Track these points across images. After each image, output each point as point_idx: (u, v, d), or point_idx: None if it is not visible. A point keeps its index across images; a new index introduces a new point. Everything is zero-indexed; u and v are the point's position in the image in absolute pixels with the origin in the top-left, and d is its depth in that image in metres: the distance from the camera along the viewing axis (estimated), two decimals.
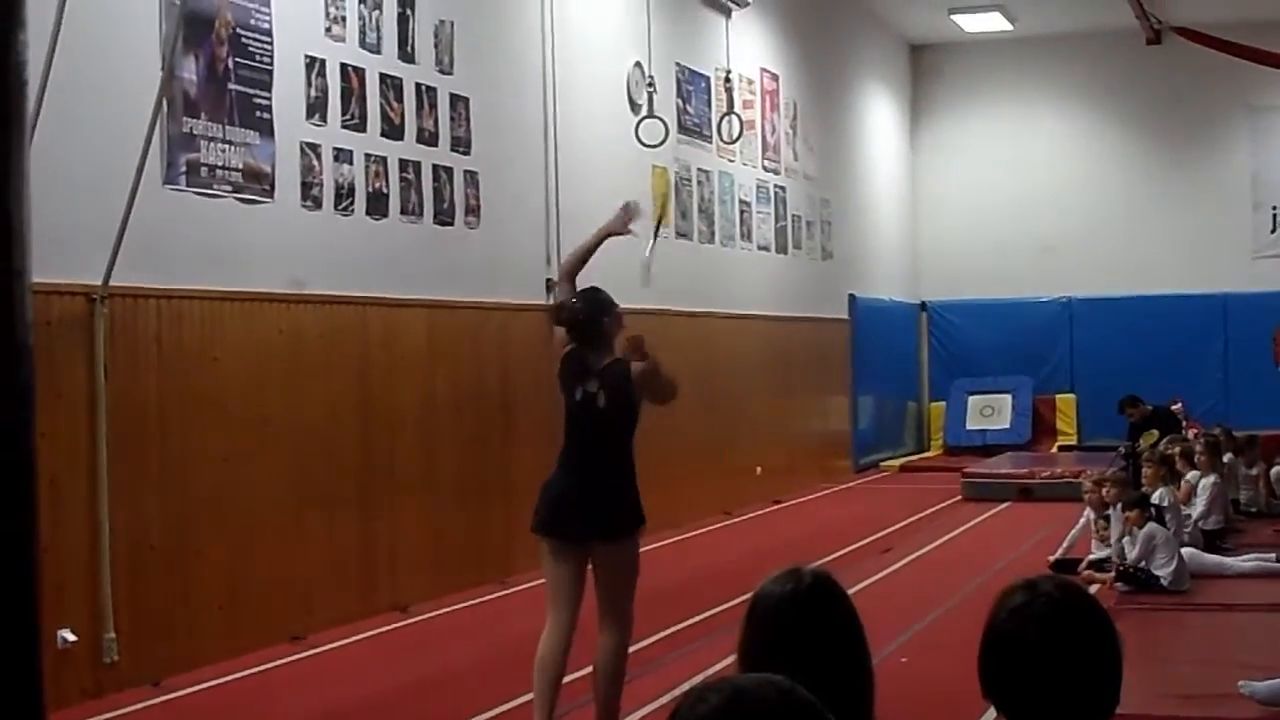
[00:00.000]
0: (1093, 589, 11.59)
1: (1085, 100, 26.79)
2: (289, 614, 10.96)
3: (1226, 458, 15.98)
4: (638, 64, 16.49)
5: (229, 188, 10.56)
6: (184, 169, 10.13)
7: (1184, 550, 12.83)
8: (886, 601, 11.95)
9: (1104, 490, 12.93)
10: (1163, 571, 11.96)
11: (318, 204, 11.51)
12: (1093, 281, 26.06)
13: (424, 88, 12.82)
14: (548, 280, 14.57)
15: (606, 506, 7.86)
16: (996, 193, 27.02)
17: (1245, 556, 13.26)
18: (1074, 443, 25.31)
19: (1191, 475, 14.52)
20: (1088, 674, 3.19)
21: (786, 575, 3.58)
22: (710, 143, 18.64)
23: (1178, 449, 15.03)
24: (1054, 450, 24.78)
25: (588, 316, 7.99)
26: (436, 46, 13.03)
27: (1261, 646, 9.85)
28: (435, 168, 12.93)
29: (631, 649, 8.65)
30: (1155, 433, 18.40)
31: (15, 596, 2.06)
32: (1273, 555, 13.23)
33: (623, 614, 7.88)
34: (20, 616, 2.07)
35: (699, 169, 18.36)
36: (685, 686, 9.03)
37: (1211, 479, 14.52)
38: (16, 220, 2.11)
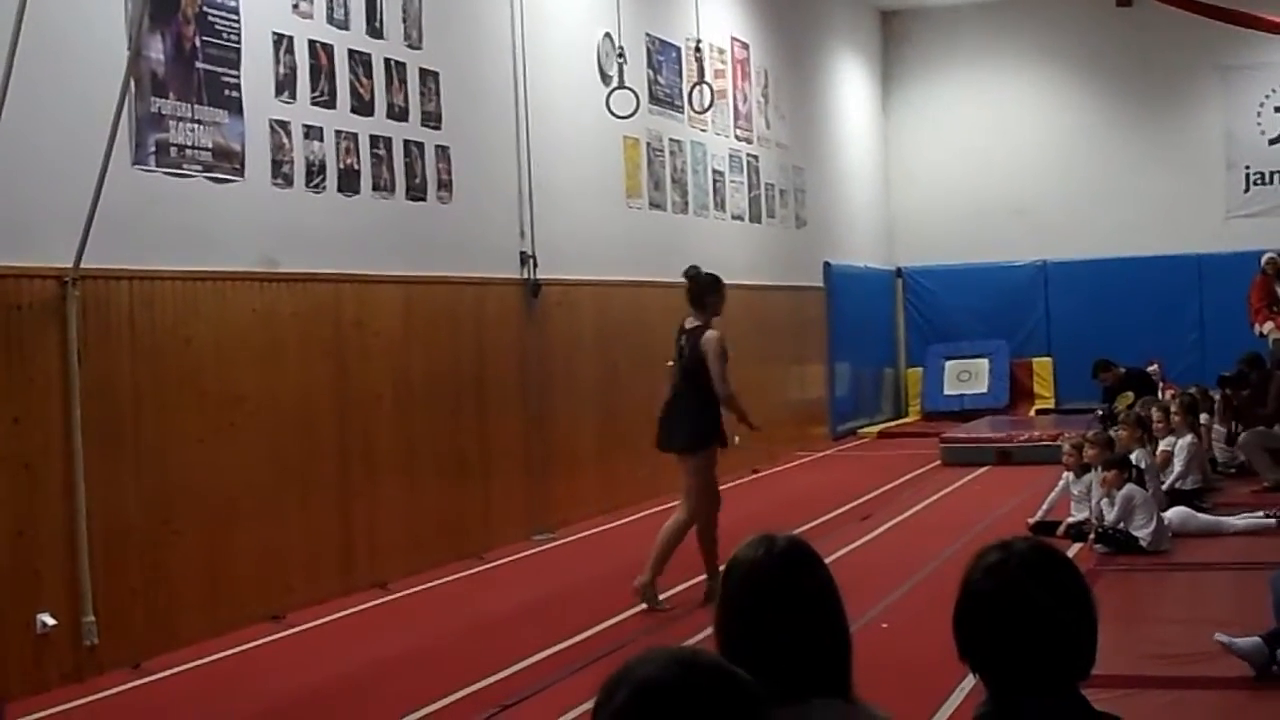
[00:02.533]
0: (1074, 550, 11.62)
1: (1057, 63, 26.77)
2: (268, 593, 10.95)
3: (1203, 418, 16.02)
4: (607, 35, 16.44)
5: (199, 167, 10.52)
6: (153, 149, 10.09)
7: (1178, 510, 12.87)
8: (866, 568, 11.96)
9: (1084, 451, 12.96)
10: (1141, 532, 11.99)
11: (289, 182, 11.46)
12: (1068, 244, 26.08)
13: (393, 63, 12.77)
14: (521, 253, 14.55)
15: (672, 428, 11.22)
16: (969, 157, 27.01)
17: (1239, 516, 13.28)
18: (1051, 406, 25.37)
19: (1166, 441, 14.54)
20: (1062, 634, 3.19)
21: (759, 541, 3.57)
22: (682, 113, 18.61)
23: (1154, 410, 15.07)
24: (1032, 414, 24.83)
25: (700, 283, 11.32)
26: (405, 21, 12.98)
27: (1240, 606, 9.87)
28: (406, 143, 12.89)
29: (610, 622, 10.04)
30: (1130, 395, 18.44)
31: None
32: (1260, 512, 13.25)
33: (689, 503, 11.07)
34: None
35: (671, 139, 18.33)
36: None
37: (1189, 439, 14.55)
38: None
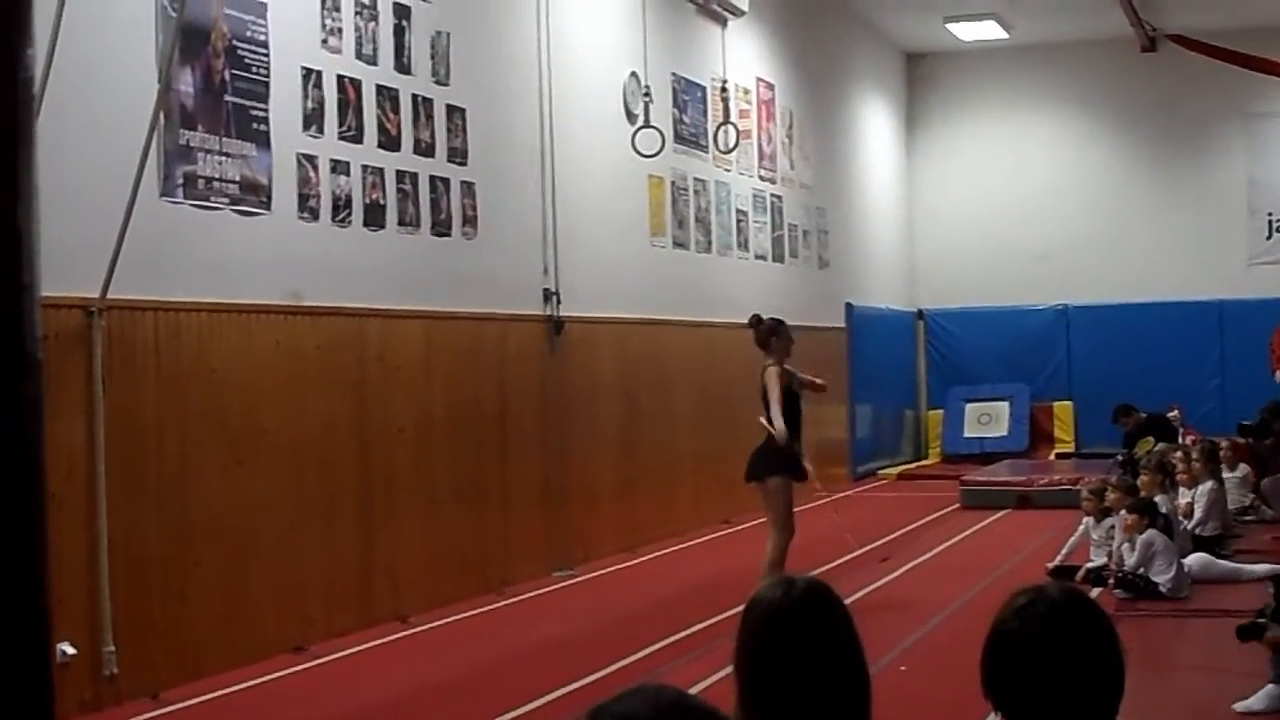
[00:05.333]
0: (1094, 594, 11.59)
1: (1081, 108, 26.82)
2: (289, 625, 10.96)
3: (1243, 468, 15.93)
4: (634, 74, 16.50)
5: (226, 200, 10.57)
6: (181, 181, 10.15)
7: (1198, 556, 12.83)
8: (885, 610, 11.96)
9: (1105, 496, 12.95)
10: (1161, 578, 11.97)
11: (315, 215, 11.52)
12: (1089, 289, 26.09)
13: (420, 99, 12.83)
14: (544, 290, 14.59)
15: (749, 460, 12.22)
16: (993, 201, 27.05)
17: (1259, 566, 13.21)
18: (1071, 450, 25.30)
19: (1186, 494, 14.48)
20: (1088, 677, 3.20)
21: (779, 582, 3.58)
22: (706, 152, 18.66)
23: (1178, 456, 15.04)
24: (1051, 458, 24.79)
25: (761, 330, 12.46)
26: (433, 58, 13.05)
27: (1258, 654, 9.85)
28: (432, 178, 12.94)
29: (629, 659, 10.24)
30: (1151, 440, 18.41)
31: (26, 609, 2.07)
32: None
33: (773, 526, 12.04)
34: (31, 628, 2.08)
35: (695, 178, 18.38)
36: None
37: (1209, 485, 14.52)
38: (26, 235, 2.12)
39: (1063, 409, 26.03)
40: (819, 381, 13.26)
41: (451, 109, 13.25)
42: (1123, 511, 12.46)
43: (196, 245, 10.33)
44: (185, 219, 10.22)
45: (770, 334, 12.38)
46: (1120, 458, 18.56)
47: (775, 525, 12.04)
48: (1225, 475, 16.64)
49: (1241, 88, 24.42)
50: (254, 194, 10.86)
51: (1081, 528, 13.33)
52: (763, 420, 12.24)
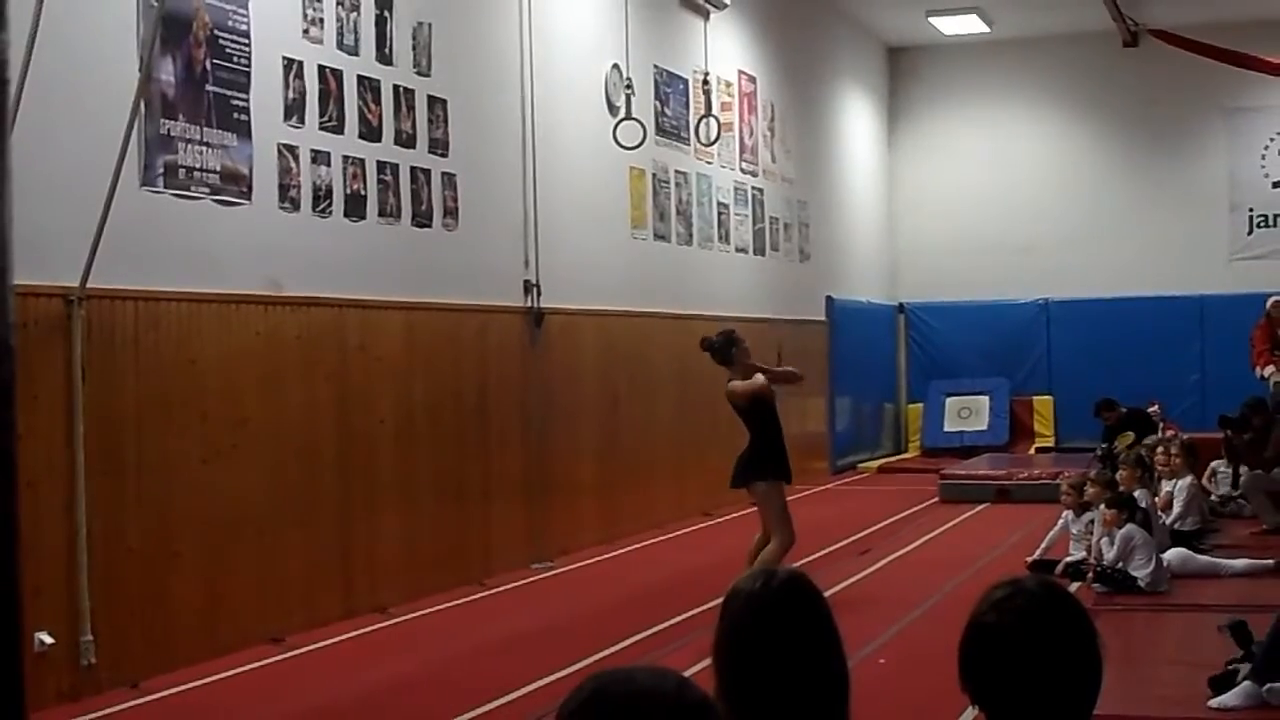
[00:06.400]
0: (1072, 588, 11.60)
1: (1062, 102, 26.84)
2: (268, 615, 10.95)
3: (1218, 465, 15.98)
4: (616, 66, 16.49)
5: (206, 189, 10.55)
6: (161, 170, 10.12)
7: (1177, 551, 12.85)
8: (864, 603, 11.97)
9: (1084, 490, 12.96)
10: (1140, 573, 11.98)
11: (295, 206, 11.49)
12: (1070, 283, 26.11)
13: (402, 89, 12.81)
14: (525, 282, 14.57)
15: (738, 465, 12.06)
16: (974, 194, 27.06)
17: (1238, 561, 13.23)
18: (1051, 444, 25.36)
19: (1167, 485, 14.53)
20: (1066, 670, 3.20)
21: (758, 573, 3.58)
22: (688, 145, 18.65)
23: (1158, 451, 15.07)
24: (1031, 452, 24.83)
25: (716, 347, 12.20)
26: (414, 48, 13.02)
27: (1237, 647, 9.86)
28: (413, 169, 12.92)
29: (610, 650, 10.15)
30: (1131, 435, 18.44)
31: None
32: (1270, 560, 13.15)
33: (775, 533, 11.87)
34: (1, 616, 2.07)
35: (677, 171, 18.37)
36: None
37: (1188, 480, 14.54)
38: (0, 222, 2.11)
39: (1043, 403, 26.06)
40: (792, 370, 13.28)
41: (433, 100, 13.23)
42: (1102, 506, 12.47)
43: (177, 235, 10.31)
44: (166, 208, 10.20)
45: (729, 346, 12.09)
46: (1099, 452, 18.57)
47: (774, 528, 11.87)
48: (1221, 469, 16.73)
49: (1222, 83, 24.44)
50: (235, 184, 10.83)
51: (1061, 522, 13.35)
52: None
